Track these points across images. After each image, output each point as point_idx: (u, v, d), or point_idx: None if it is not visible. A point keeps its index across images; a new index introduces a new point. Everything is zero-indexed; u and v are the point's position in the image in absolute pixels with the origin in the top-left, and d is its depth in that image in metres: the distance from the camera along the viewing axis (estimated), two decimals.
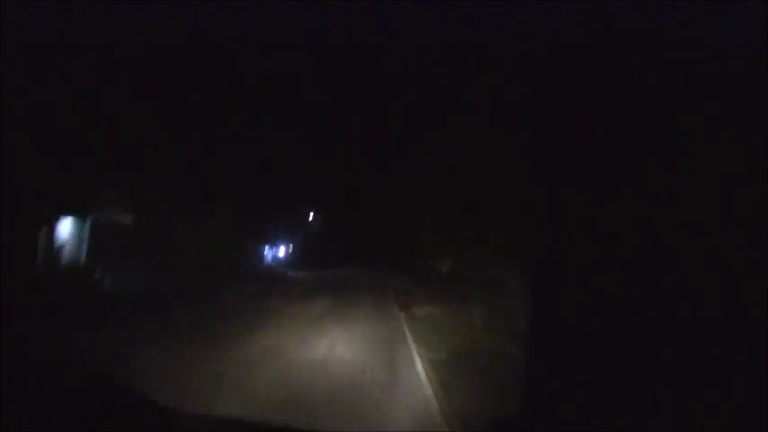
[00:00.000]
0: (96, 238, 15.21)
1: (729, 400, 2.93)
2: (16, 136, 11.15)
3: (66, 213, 14.63)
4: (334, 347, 8.94)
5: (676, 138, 3.96)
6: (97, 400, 1.49)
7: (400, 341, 10.29)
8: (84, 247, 15.10)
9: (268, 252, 30.77)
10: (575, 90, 4.45)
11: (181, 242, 18.72)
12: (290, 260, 35.14)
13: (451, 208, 21.90)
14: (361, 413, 5.32)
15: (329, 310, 14.83)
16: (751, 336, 3.06)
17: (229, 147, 20.87)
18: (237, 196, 22.19)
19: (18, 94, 11.24)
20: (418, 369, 7.72)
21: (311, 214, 40.41)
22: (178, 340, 8.39)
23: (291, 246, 36.56)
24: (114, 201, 15.71)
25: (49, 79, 12.64)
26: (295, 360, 7.72)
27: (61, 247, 14.23)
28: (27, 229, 13.22)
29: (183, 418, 1.60)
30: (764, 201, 3.28)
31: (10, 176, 11.06)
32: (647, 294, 3.41)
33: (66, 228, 14.80)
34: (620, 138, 3.98)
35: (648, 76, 4.02)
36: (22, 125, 11.30)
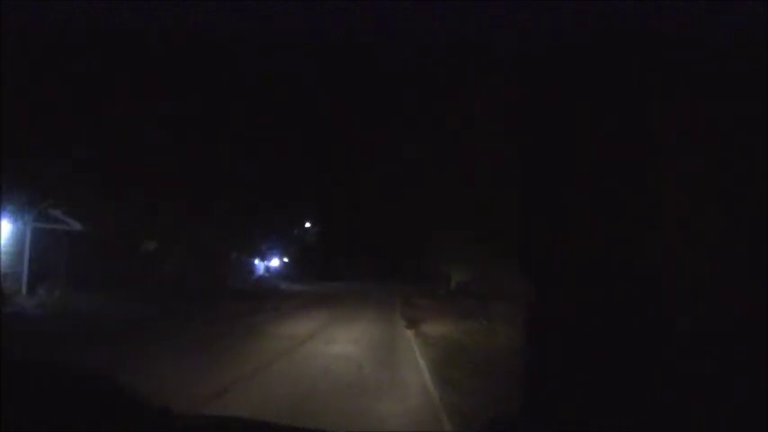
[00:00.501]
0: (41, 247, 13.53)
1: (729, 401, 3.10)
2: None
3: None
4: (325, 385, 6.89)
5: (676, 138, 4.22)
6: (95, 401, 1.54)
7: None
8: (25, 258, 13.30)
9: (259, 264, 30.84)
10: (574, 90, 4.71)
11: (152, 254, 17.69)
12: (285, 272, 35.21)
13: (461, 211, 21.99)
14: None
15: (324, 328, 13.25)
16: (751, 336, 3.26)
17: (214, 148, 20.26)
18: (224, 203, 21.89)
19: None
20: None
21: (307, 223, 40.46)
22: None
23: (286, 257, 36.61)
24: (62, 204, 14.12)
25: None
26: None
27: None
28: None
29: (177, 417, 1.62)
30: (765, 201, 3.48)
31: None
32: (647, 294, 3.63)
33: (3, 234, 13.01)
34: (620, 138, 4.22)
35: (648, 76, 4.28)
36: None
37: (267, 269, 32.33)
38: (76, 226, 14.63)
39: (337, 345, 10.66)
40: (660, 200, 4.09)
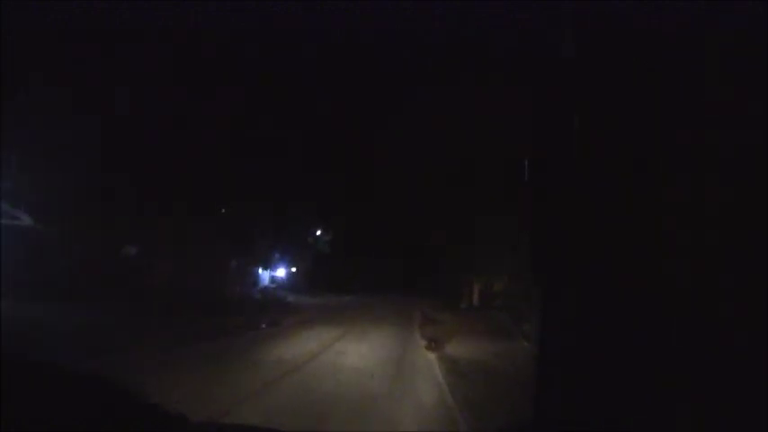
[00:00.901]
0: None
1: (730, 401, 3.33)
2: None
3: None
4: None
5: (677, 138, 4.55)
6: (103, 407, 1.62)
7: None
8: None
9: (264, 274, 31.02)
10: (575, 90, 5.02)
11: (134, 260, 16.75)
12: (293, 283, 35.68)
13: (483, 216, 21.37)
14: None
15: (327, 349, 12.12)
16: (752, 336, 3.50)
17: (215, 150, 20.21)
18: (224, 206, 21.92)
19: None
20: None
21: (318, 231, 40.90)
22: None
23: (296, 267, 37.16)
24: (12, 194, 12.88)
25: None
26: None
27: None
28: None
29: (191, 425, 1.74)
30: (765, 201, 3.73)
31: None
32: (650, 294, 3.91)
33: None
34: (621, 138, 4.58)
35: (648, 76, 4.60)
36: None
37: (273, 279, 32.68)
38: (26, 221, 13.43)
39: (342, 373, 9.11)
40: (661, 199, 4.41)
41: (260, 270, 30.82)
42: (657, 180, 4.28)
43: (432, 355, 12.08)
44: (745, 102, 4.21)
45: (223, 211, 22.30)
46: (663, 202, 4.20)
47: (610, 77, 4.69)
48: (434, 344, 13.78)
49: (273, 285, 31.92)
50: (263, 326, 16.32)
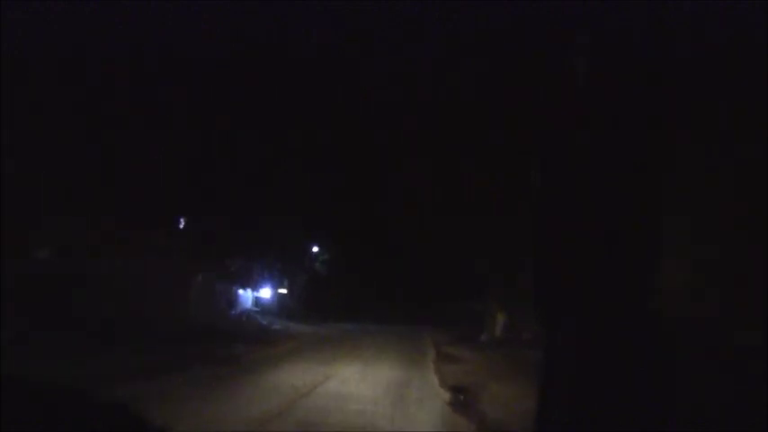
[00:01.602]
0: None
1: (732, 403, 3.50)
2: None
3: None
4: None
5: (677, 138, 4.57)
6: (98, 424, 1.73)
7: None
8: None
9: (245, 294, 27.64)
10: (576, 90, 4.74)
11: (48, 266, 14.63)
12: (285, 307, 33.80)
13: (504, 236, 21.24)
14: None
15: (295, 406, 8.83)
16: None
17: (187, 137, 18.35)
18: (194, 207, 18.96)
19: None
20: None
21: (315, 248, 38.00)
22: None
23: (288, 289, 34.79)
24: None
25: None
26: None
27: None
28: None
29: None
30: (765, 201, 3.92)
31: None
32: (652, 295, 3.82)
33: None
34: (622, 139, 4.28)
35: (649, 76, 4.56)
36: None
37: (257, 302, 29.16)
38: None
39: None
40: (661, 198, 4.08)
41: (240, 290, 27.05)
42: (657, 178, 3.93)
43: (464, 423, 8.33)
44: (745, 102, 4.29)
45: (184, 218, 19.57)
46: (663, 202, 3.86)
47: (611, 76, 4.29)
48: (462, 397, 10.34)
49: (257, 309, 28.45)
50: (210, 363, 12.57)
